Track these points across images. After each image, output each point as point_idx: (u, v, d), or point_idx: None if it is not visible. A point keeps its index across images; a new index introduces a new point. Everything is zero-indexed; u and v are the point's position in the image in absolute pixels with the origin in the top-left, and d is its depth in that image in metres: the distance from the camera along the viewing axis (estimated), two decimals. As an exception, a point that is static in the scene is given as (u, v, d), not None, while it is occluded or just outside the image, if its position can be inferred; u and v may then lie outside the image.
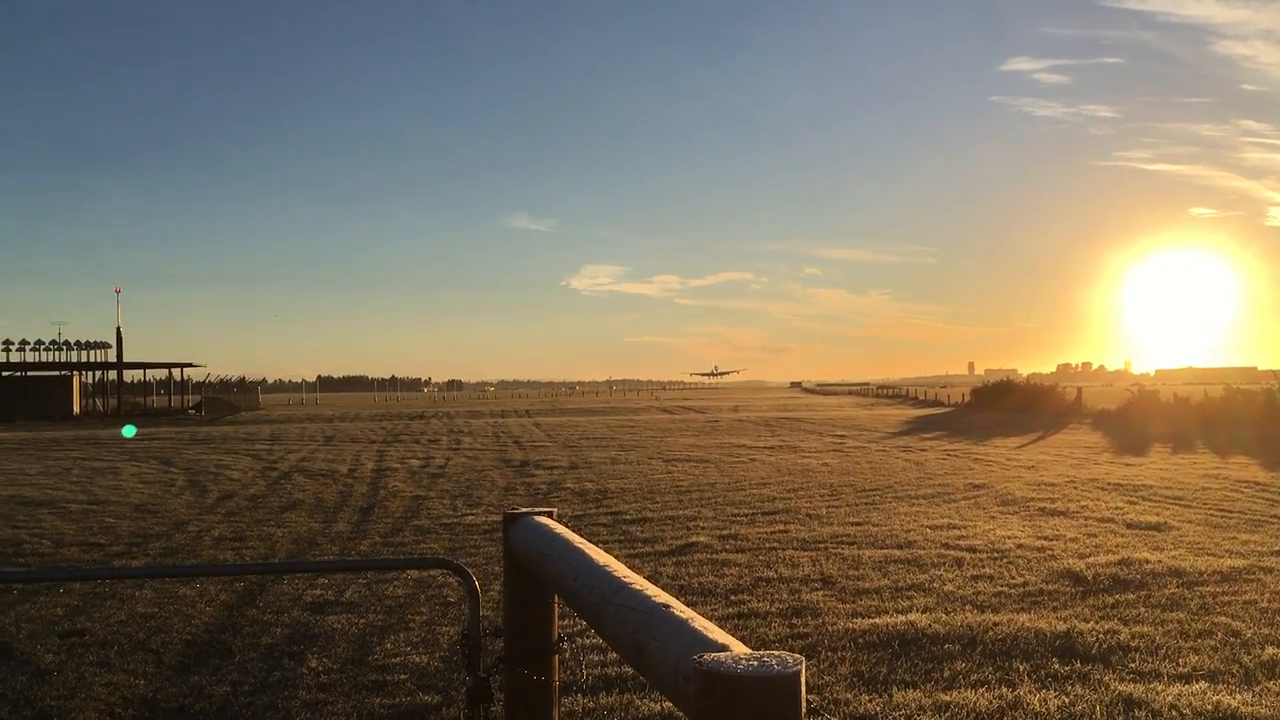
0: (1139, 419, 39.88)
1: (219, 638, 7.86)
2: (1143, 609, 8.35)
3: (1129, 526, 12.73)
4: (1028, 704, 6.05)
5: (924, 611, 8.30)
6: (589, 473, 20.65)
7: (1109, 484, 17.63)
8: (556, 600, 3.87)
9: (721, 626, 2.20)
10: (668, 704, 5.70)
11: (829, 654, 7.17)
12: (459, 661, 7.01)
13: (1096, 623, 7.87)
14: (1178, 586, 9.19)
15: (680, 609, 2.31)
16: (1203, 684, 6.35)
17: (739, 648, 1.95)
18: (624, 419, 48.12)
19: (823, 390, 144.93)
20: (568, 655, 4.52)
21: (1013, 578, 9.68)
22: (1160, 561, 10.25)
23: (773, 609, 8.56)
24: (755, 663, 1.75)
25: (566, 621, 5.59)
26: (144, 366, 78.65)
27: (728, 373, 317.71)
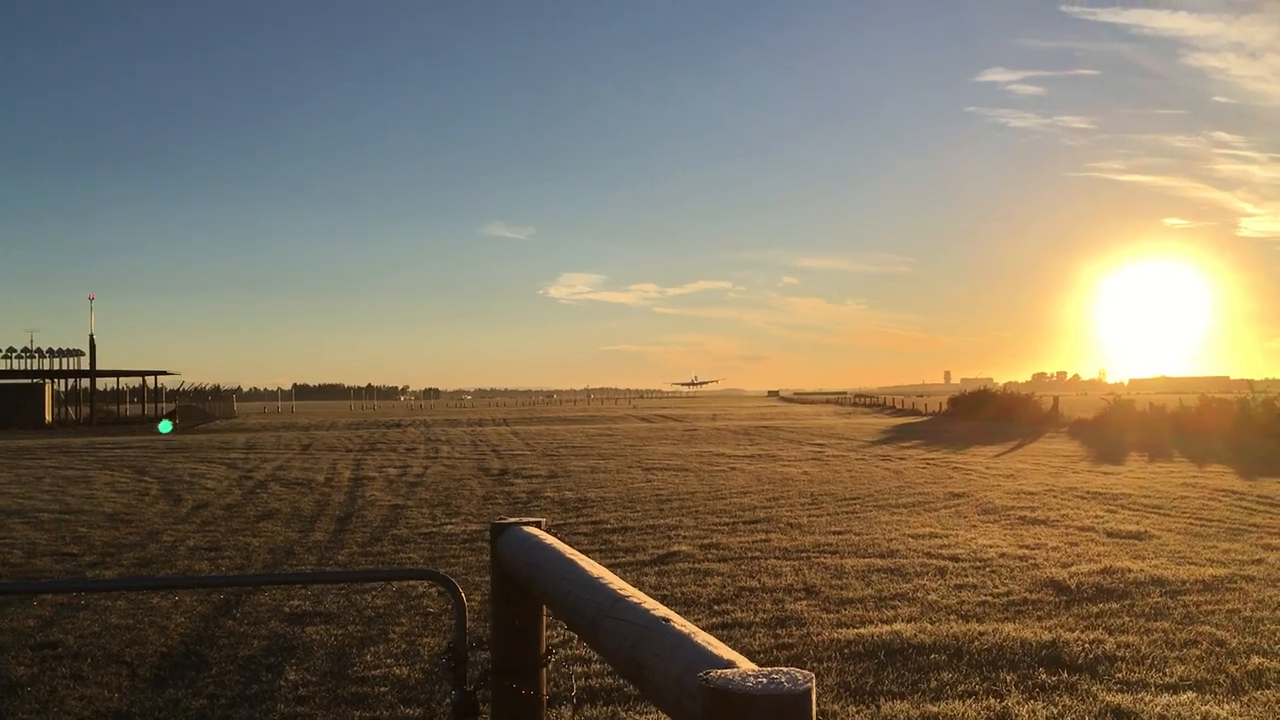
0: (1115, 428, 40.16)
1: (195, 650, 7.72)
2: (1127, 618, 8.34)
3: (1110, 535, 12.74)
4: (1016, 715, 6.01)
5: (909, 621, 8.26)
6: (568, 481, 20.55)
7: (1088, 492, 17.68)
8: (545, 612, 3.78)
9: (723, 641, 2.12)
10: (658, 715, 5.62)
11: (814, 664, 7.11)
12: (441, 674, 6.91)
13: (1082, 632, 7.85)
14: (1161, 595, 9.19)
15: (681, 623, 2.24)
16: (1190, 694, 6.32)
17: (746, 664, 1.88)
18: (602, 427, 48.00)
19: (800, 399, 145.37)
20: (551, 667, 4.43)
21: (996, 587, 9.66)
22: (1142, 570, 10.26)
23: (757, 619, 8.49)
24: (765, 680, 1.68)
25: (548, 633, 5.51)
26: (117, 375, 77.72)
27: (707, 383, 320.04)
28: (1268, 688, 6.46)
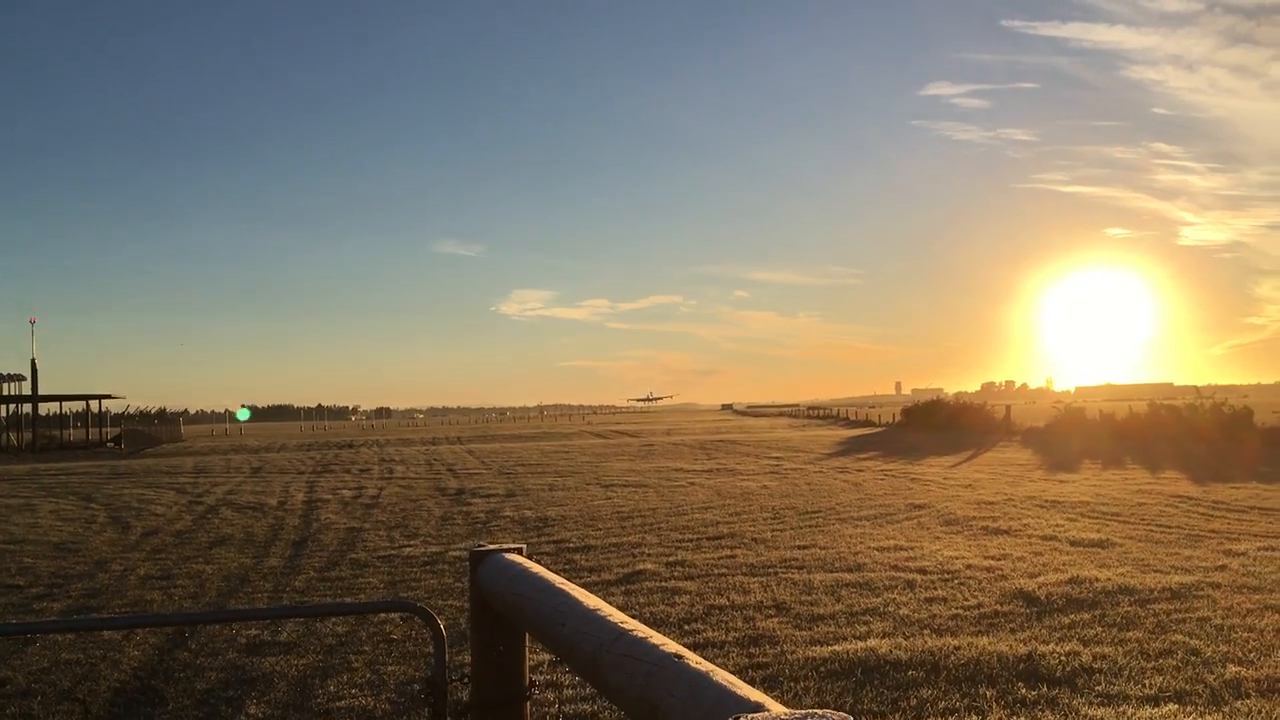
0: (1066, 436, 40.63)
1: (150, 684, 7.42)
2: (1099, 629, 8.30)
3: (1073, 544, 12.78)
4: (999, 732, 5.91)
5: (883, 637, 8.16)
6: (527, 500, 20.29)
7: (1046, 501, 17.77)
8: (527, 642, 3.61)
9: (744, 679, 1.97)
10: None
11: (792, 684, 6.98)
12: (409, 704, 6.69)
13: (1056, 644, 7.79)
14: (1130, 605, 9.19)
15: (695, 660, 2.09)
16: (1172, 706, 6.27)
17: (775, 707, 1.73)
18: (558, 444, 47.71)
19: (754, 412, 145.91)
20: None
21: (966, 599, 9.60)
22: (1109, 579, 10.26)
23: (729, 638, 8.35)
24: (805, 725, 1.54)
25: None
26: (60, 399, 76.01)
27: (662, 398, 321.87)
28: (1247, 697, 6.43)
